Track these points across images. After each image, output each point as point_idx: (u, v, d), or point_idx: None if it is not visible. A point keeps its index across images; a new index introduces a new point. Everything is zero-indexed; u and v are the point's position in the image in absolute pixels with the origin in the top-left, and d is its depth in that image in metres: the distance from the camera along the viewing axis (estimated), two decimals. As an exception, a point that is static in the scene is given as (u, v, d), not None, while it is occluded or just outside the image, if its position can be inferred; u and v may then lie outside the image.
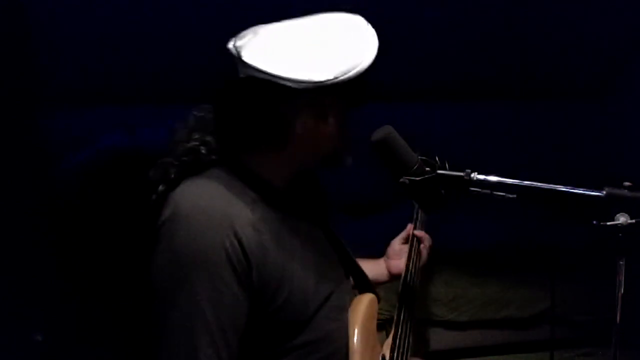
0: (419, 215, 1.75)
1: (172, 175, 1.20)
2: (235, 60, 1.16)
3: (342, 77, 1.14)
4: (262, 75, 1.14)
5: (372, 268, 1.66)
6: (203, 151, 1.22)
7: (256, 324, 1.18)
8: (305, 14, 1.26)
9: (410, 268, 1.62)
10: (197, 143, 1.23)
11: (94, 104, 2.96)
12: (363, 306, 1.40)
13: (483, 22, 3.07)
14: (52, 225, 2.32)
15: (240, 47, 1.16)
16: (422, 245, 1.69)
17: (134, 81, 2.89)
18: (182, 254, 1.11)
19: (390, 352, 1.46)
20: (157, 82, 2.89)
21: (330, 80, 1.13)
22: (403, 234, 1.70)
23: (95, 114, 2.95)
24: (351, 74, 1.15)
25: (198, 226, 1.12)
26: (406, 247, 1.67)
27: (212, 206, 1.14)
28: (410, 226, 1.71)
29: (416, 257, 1.66)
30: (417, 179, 1.25)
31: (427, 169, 1.27)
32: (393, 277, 1.66)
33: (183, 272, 1.11)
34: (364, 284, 1.48)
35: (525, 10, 3.06)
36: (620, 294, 1.14)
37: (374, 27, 1.23)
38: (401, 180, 1.26)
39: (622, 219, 1.14)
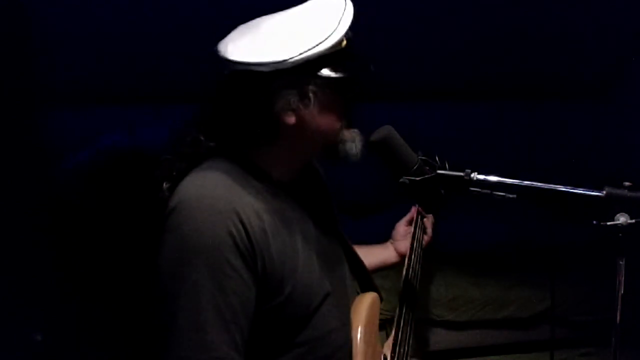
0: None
1: (175, 172, 1.21)
2: (219, 59, 1.19)
3: (306, 53, 1.14)
4: (239, 67, 1.16)
5: (381, 251, 1.69)
6: (204, 145, 1.23)
7: (259, 320, 1.18)
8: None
9: (411, 264, 1.62)
10: (197, 137, 1.24)
11: (94, 104, 2.96)
12: (365, 305, 1.40)
13: (483, 22, 3.07)
14: (52, 226, 2.32)
15: (221, 45, 1.19)
16: (426, 226, 1.72)
17: (134, 81, 2.89)
18: (189, 242, 1.12)
19: (392, 352, 1.46)
20: (157, 82, 2.89)
21: (294, 57, 1.13)
22: (407, 217, 1.73)
23: (95, 114, 2.95)
24: (316, 50, 1.14)
25: (203, 214, 1.13)
26: (411, 229, 1.69)
27: (216, 194, 1.15)
28: (414, 209, 1.72)
29: (416, 259, 1.66)
30: (417, 179, 1.25)
31: (427, 168, 1.27)
32: (402, 257, 1.68)
33: (190, 260, 1.11)
34: (367, 283, 1.48)
35: (526, 10, 3.06)
36: (620, 294, 1.14)
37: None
38: (401, 180, 1.26)
39: (622, 219, 1.14)
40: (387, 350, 1.49)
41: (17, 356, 2.17)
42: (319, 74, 1.17)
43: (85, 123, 2.89)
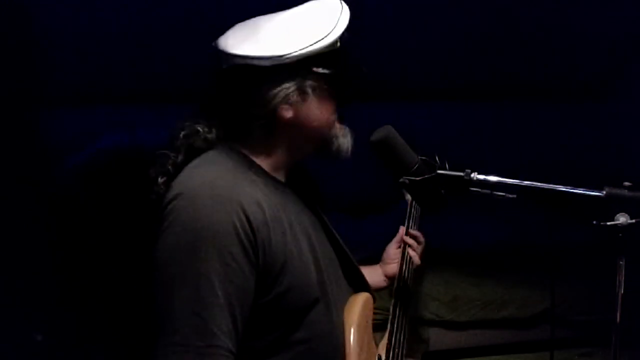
0: (412, 214, 1.75)
1: (170, 166, 1.22)
2: (218, 53, 1.22)
3: (305, 50, 1.18)
4: (238, 61, 1.19)
5: (370, 275, 1.63)
6: (199, 136, 1.24)
7: (257, 313, 1.18)
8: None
9: (404, 268, 1.62)
10: (191, 130, 1.25)
11: (94, 104, 2.96)
12: (359, 305, 1.39)
13: (483, 22, 3.07)
14: (52, 226, 2.32)
15: (221, 40, 1.22)
16: (411, 252, 1.67)
17: (134, 81, 2.89)
18: (190, 230, 1.12)
19: (386, 353, 1.46)
20: (157, 82, 2.89)
21: (293, 52, 1.17)
22: (397, 238, 1.70)
23: (95, 114, 2.95)
24: (314, 47, 1.18)
25: (205, 202, 1.13)
26: (400, 251, 1.67)
27: (218, 184, 1.16)
28: (402, 229, 1.71)
29: (409, 259, 1.65)
30: (417, 179, 1.25)
31: (427, 168, 1.27)
32: (391, 280, 1.67)
33: (191, 248, 1.11)
34: (360, 282, 1.48)
35: (526, 11, 3.06)
36: (620, 294, 1.14)
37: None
38: (401, 180, 1.27)
39: (622, 219, 1.14)
40: (382, 350, 1.49)
41: (17, 356, 2.18)
42: (315, 70, 1.22)
43: (85, 123, 2.89)
